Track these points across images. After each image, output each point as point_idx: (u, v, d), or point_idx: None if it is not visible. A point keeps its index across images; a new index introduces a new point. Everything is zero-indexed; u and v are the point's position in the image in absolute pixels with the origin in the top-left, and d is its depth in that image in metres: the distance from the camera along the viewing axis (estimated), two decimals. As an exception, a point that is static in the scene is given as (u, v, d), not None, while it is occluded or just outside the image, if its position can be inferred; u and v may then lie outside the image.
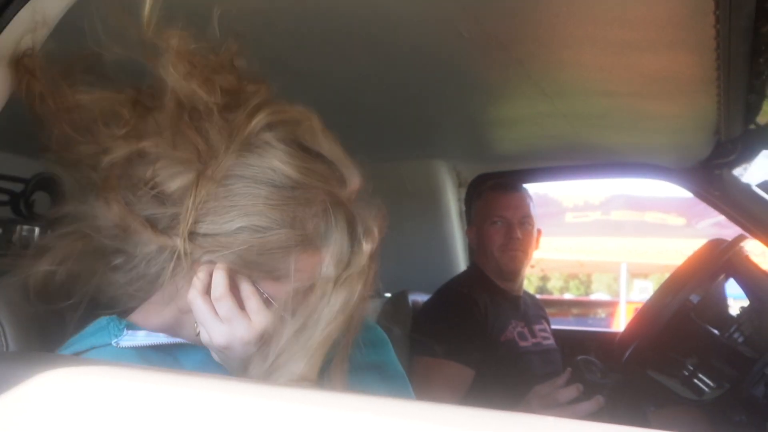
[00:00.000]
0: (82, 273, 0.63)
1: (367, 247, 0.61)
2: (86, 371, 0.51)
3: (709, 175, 1.51)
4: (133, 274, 0.62)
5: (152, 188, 0.59)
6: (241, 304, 0.61)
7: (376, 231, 0.63)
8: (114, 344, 0.61)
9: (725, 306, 1.27)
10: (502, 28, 0.96)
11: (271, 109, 0.62)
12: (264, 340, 0.60)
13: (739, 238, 1.30)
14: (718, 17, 0.78)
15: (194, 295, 0.61)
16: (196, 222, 0.60)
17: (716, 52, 0.88)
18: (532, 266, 1.94)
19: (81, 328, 0.64)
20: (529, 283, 1.65)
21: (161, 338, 0.63)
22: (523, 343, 1.48)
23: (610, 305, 7.58)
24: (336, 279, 0.59)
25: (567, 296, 9.72)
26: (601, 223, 7.35)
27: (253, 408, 0.42)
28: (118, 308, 0.66)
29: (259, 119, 0.61)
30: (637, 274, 8.53)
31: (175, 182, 0.59)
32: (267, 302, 0.61)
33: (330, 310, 0.59)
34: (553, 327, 1.69)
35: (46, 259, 0.62)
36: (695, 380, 1.20)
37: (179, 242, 0.59)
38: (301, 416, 0.41)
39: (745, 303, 1.28)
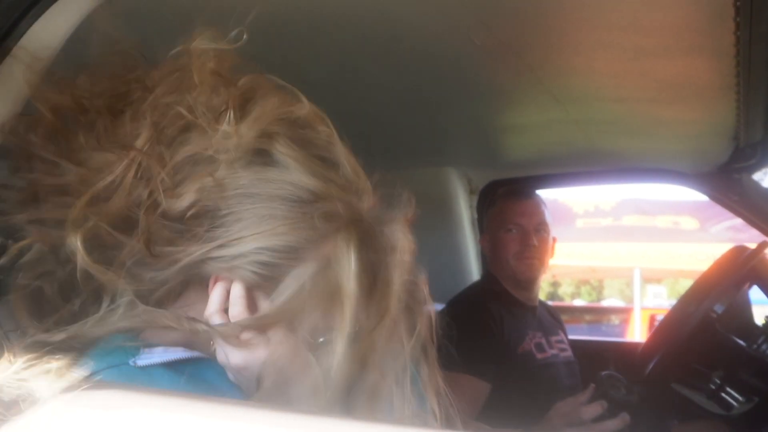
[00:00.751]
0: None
1: (391, 256, 0.59)
2: (106, 396, 0.49)
3: (728, 180, 1.48)
4: (145, 293, 0.60)
5: (161, 212, 0.58)
6: None
7: (401, 240, 0.61)
8: (132, 364, 0.59)
9: (751, 315, 1.23)
10: (513, 36, 0.95)
11: (283, 114, 0.60)
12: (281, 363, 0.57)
13: (763, 245, 1.26)
14: (738, 23, 0.76)
15: (211, 313, 0.59)
16: (211, 242, 0.58)
17: (736, 58, 0.86)
18: (542, 272, 1.90)
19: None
20: (539, 290, 1.62)
21: (179, 353, 0.61)
22: (540, 355, 1.45)
23: (624, 311, 7.49)
24: (357, 295, 0.57)
25: (579, 302, 9.63)
26: (613, 230, 7.27)
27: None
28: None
29: (271, 126, 0.59)
30: (650, 279, 8.43)
31: (183, 201, 0.57)
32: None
33: (344, 326, 0.56)
34: (570, 337, 1.65)
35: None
36: (723, 394, 1.16)
37: (195, 261, 0.57)
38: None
39: (770, 311, 1.24)
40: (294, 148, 0.59)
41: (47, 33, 0.63)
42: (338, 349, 0.56)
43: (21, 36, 0.62)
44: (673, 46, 0.92)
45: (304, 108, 0.61)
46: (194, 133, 0.58)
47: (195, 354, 0.61)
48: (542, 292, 1.74)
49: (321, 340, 0.58)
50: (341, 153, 0.62)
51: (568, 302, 9.38)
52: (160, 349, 0.61)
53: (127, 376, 0.58)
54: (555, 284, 9.52)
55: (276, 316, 0.58)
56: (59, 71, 0.61)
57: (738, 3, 0.74)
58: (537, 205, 1.55)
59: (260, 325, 0.58)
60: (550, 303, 1.90)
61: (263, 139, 0.58)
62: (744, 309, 1.23)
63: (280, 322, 0.58)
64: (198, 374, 0.61)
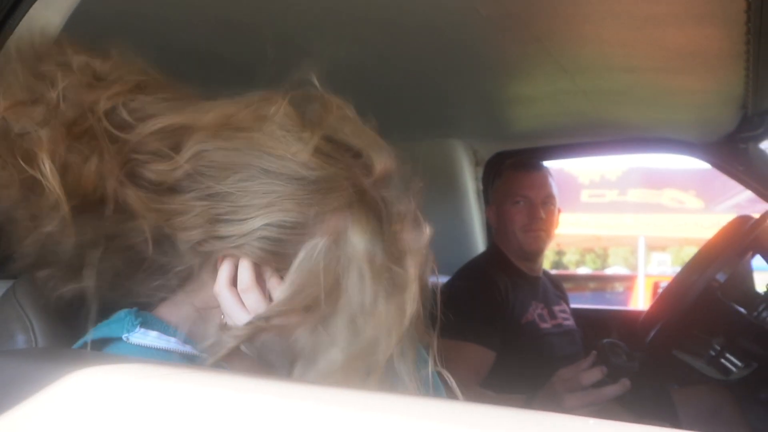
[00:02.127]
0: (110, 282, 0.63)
1: (399, 232, 0.60)
2: (109, 369, 0.51)
3: (734, 149, 1.47)
4: (157, 275, 0.62)
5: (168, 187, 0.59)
6: (266, 294, 0.61)
7: (409, 215, 0.62)
8: (125, 339, 0.62)
9: (752, 284, 1.25)
10: (520, 5, 0.93)
11: (293, 97, 0.61)
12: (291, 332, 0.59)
13: (767, 215, 1.26)
14: (750, -11, 0.74)
15: (221, 287, 0.61)
16: (219, 221, 0.59)
17: (746, 25, 0.85)
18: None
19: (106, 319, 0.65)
20: (544, 258, 1.64)
21: (171, 344, 0.63)
22: (543, 325, 1.47)
23: (628, 279, 7.53)
24: (363, 268, 0.59)
25: (583, 270, 9.67)
26: (618, 204, 7.25)
27: (275, 407, 0.42)
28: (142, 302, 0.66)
29: (280, 109, 0.59)
30: (654, 246, 8.44)
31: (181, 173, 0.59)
32: None
33: (359, 300, 0.58)
34: (573, 306, 1.68)
35: (79, 278, 0.62)
36: (722, 360, 1.18)
37: (204, 243, 0.59)
38: (311, 415, 0.40)
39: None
40: (300, 128, 0.60)
41: (43, 18, 0.63)
42: (346, 322, 0.58)
43: (19, 20, 0.62)
44: (683, 13, 0.91)
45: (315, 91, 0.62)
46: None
47: (187, 348, 0.63)
48: (547, 261, 1.75)
49: (330, 312, 0.59)
50: (351, 131, 0.62)
51: (572, 270, 9.43)
52: (155, 333, 0.62)
53: (119, 350, 0.61)
54: (560, 253, 9.55)
55: (291, 297, 0.59)
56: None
57: (750, -30, 0.72)
58: (545, 177, 1.55)
59: (282, 312, 0.59)
60: (554, 272, 1.91)
61: (269, 120, 0.59)
62: (746, 277, 1.24)
63: (297, 302, 0.59)
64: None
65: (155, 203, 0.59)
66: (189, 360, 0.63)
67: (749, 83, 1.11)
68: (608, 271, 9.45)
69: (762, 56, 0.97)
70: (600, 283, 7.67)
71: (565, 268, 9.69)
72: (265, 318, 0.59)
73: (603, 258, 10.67)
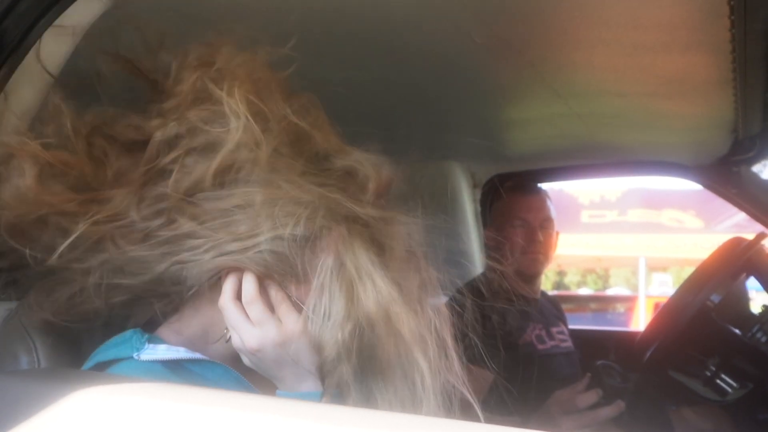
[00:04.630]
0: (110, 295, 0.65)
1: (393, 250, 0.63)
2: (112, 389, 0.52)
3: (728, 172, 1.50)
4: (161, 291, 0.64)
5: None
6: (270, 307, 0.63)
7: (402, 229, 0.65)
8: (135, 357, 0.63)
9: (747, 305, 1.26)
10: (513, 33, 0.96)
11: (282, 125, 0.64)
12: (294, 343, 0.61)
13: (760, 236, 1.28)
14: (733, 21, 0.77)
15: (225, 301, 0.62)
16: (224, 243, 0.61)
17: (732, 54, 0.88)
18: (548, 261, 1.92)
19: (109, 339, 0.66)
20: (545, 279, 1.65)
21: (181, 353, 0.64)
22: (541, 347, 1.48)
23: (629, 300, 7.50)
24: (352, 279, 0.61)
25: (584, 291, 9.63)
26: (618, 224, 7.27)
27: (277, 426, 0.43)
28: (146, 320, 0.67)
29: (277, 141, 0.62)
30: (655, 267, 8.42)
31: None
32: (296, 305, 0.63)
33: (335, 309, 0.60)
34: (572, 327, 1.68)
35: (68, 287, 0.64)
36: (718, 380, 1.19)
37: (209, 261, 0.61)
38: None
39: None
40: (308, 163, 0.64)
41: (60, 38, 0.66)
42: (346, 332, 0.60)
43: (36, 40, 0.65)
44: (671, 42, 0.94)
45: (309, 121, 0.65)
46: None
47: (197, 355, 0.65)
48: (549, 281, 1.75)
49: (329, 322, 0.61)
50: (345, 157, 0.65)
51: (573, 291, 9.39)
52: (163, 347, 0.64)
53: (131, 369, 0.62)
54: (561, 273, 9.52)
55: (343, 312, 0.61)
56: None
57: (732, 2, 0.75)
58: (542, 200, 1.57)
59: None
60: (555, 292, 1.92)
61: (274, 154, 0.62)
62: (740, 299, 1.25)
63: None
64: (202, 373, 0.64)
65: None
66: (201, 364, 0.65)
67: (738, 108, 1.14)
68: (609, 292, 9.41)
69: (749, 83, 0.99)
70: (601, 303, 7.63)
71: (567, 288, 9.65)
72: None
73: (604, 279, 10.64)
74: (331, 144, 0.68)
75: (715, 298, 1.21)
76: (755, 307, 1.27)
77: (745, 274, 1.25)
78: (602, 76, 1.14)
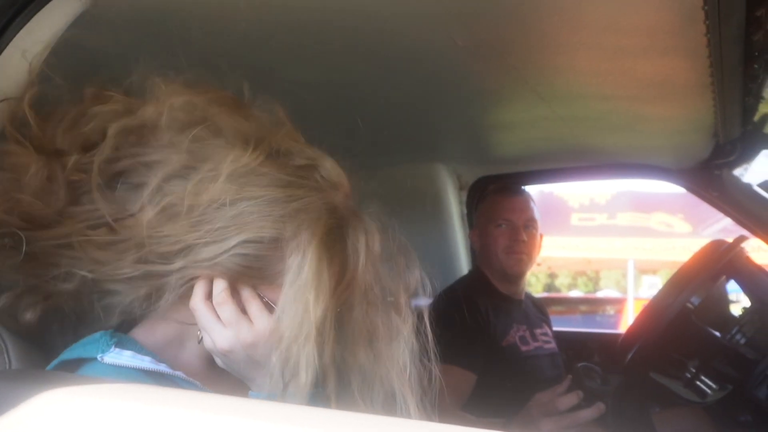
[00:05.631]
0: (81, 300, 0.64)
1: (364, 247, 0.63)
2: (75, 390, 0.52)
3: (709, 176, 1.51)
4: (133, 296, 0.63)
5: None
6: (242, 308, 0.62)
7: (374, 231, 0.65)
8: (99, 359, 0.62)
9: (727, 307, 1.27)
10: (495, 36, 0.97)
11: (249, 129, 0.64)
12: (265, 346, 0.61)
13: (740, 239, 1.29)
14: (708, 26, 0.78)
15: (197, 302, 0.62)
16: (196, 246, 0.61)
17: (709, 59, 0.89)
18: (539, 264, 1.94)
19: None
20: (537, 281, 1.66)
21: (146, 363, 0.64)
22: (524, 348, 1.48)
23: (619, 302, 7.54)
24: (330, 281, 0.61)
25: (575, 293, 9.67)
26: (607, 228, 7.34)
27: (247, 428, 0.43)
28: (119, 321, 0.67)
29: (255, 150, 0.62)
30: (645, 270, 8.48)
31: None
32: (267, 306, 0.63)
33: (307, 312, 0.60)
34: (556, 329, 1.69)
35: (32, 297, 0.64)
36: (698, 382, 1.20)
37: (181, 268, 0.61)
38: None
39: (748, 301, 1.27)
40: (272, 163, 0.63)
41: (33, 38, 0.65)
42: (317, 331, 0.60)
43: (8, 41, 0.65)
44: (650, 46, 0.95)
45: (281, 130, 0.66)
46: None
47: (161, 368, 0.64)
48: (539, 284, 1.76)
49: (301, 322, 0.61)
50: (314, 157, 0.65)
51: (564, 293, 9.43)
52: (129, 353, 0.64)
53: (93, 370, 0.62)
54: (552, 275, 9.56)
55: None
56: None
57: (706, 7, 0.76)
58: (526, 201, 1.59)
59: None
60: (546, 295, 1.93)
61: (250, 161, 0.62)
62: (720, 301, 1.26)
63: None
64: (166, 385, 0.64)
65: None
66: (163, 379, 0.64)
67: (717, 113, 1.15)
68: (599, 294, 9.46)
69: (726, 87, 1.00)
70: (591, 306, 7.67)
71: (558, 290, 9.70)
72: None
73: (595, 281, 10.69)
74: (293, 143, 0.68)
75: (695, 300, 1.22)
76: (735, 310, 1.29)
77: (724, 277, 1.26)
78: (584, 79, 1.15)
